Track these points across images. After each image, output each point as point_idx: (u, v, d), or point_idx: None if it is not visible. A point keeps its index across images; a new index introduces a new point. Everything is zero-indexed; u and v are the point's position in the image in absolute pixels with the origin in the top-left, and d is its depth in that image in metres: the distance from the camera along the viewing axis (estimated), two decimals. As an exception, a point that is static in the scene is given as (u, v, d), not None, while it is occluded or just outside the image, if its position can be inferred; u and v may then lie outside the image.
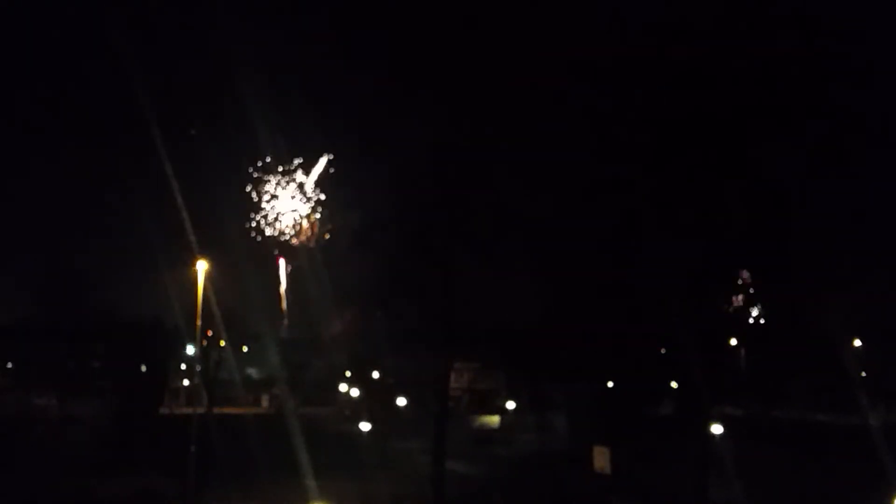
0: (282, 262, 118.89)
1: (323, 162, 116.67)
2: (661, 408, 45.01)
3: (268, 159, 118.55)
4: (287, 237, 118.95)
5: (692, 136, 27.05)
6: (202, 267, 35.44)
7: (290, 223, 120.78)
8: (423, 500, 34.64)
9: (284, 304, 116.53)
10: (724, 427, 32.84)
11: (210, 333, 47.28)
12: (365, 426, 44.42)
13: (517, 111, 33.42)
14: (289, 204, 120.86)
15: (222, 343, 52.16)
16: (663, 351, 33.05)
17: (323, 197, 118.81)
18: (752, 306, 31.97)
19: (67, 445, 47.68)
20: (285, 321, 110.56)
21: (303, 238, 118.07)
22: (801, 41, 26.99)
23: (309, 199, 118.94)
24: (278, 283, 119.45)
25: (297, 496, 29.88)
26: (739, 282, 30.56)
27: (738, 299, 30.85)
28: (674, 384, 39.75)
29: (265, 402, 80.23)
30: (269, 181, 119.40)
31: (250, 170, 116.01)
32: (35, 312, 65.95)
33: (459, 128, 35.32)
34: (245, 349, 73.17)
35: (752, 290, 30.84)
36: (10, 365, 76.03)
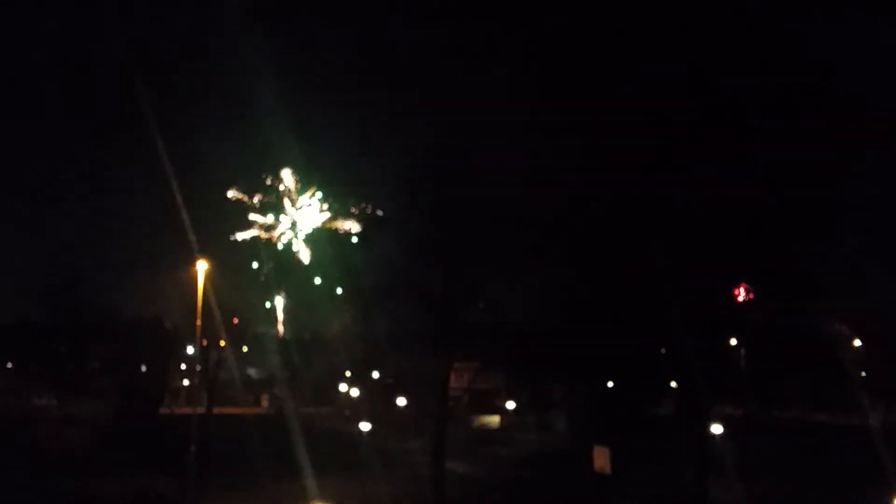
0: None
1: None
2: (661, 408, 44.96)
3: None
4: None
5: (692, 136, 27.07)
6: (202, 267, 35.44)
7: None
8: (423, 500, 34.63)
9: (280, 316, 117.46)
10: (724, 427, 32.83)
11: (235, 321, 47.45)
12: (365, 426, 44.40)
13: (518, 110, 33.39)
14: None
15: (222, 343, 52.18)
16: (663, 351, 32.99)
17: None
18: (752, 305, 31.95)
19: (67, 445, 47.63)
20: (280, 327, 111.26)
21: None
22: (802, 41, 27.03)
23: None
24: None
25: (297, 496, 29.88)
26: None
27: (739, 292, 30.84)
28: (674, 384, 39.70)
29: (265, 402, 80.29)
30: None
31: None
32: (35, 312, 66.02)
33: (459, 127, 35.30)
34: (245, 349, 73.26)
35: (751, 290, 30.85)
36: (10, 365, 76.07)
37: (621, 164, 28.93)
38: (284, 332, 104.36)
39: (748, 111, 27.07)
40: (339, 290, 60.27)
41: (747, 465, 33.29)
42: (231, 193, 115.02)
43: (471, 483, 39.59)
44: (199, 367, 54.80)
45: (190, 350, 63.06)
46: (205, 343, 47.58)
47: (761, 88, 27.02)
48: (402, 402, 59.96)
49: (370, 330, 48.99)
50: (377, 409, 59.28)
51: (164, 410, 63.31)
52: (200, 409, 45.89)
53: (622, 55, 28.69)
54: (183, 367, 73.83)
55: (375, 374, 69.93)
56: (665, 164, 27.50)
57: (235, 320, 48.34)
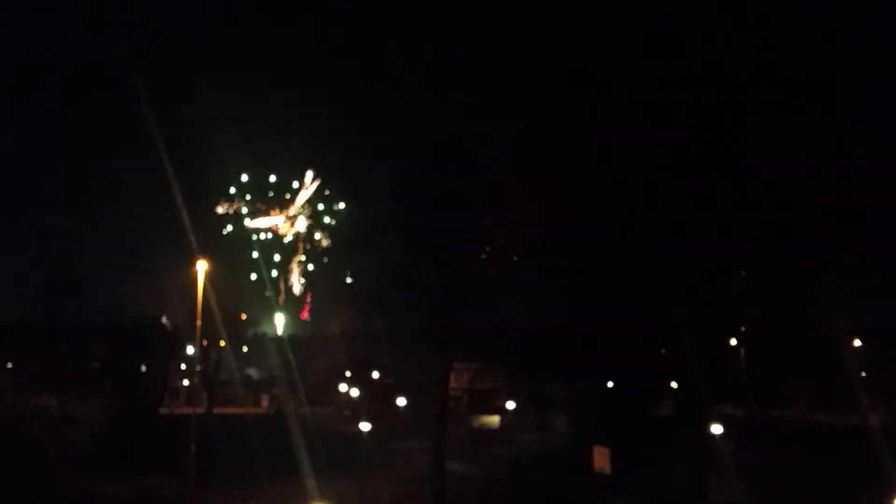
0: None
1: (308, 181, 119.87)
2: (661, 408, 44.94)
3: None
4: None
5: (692, 135, 27.08)
6: (202, 267, 35.40)
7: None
8: (423, 500, 34.63)
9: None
10: (724, 427, 32.81)
11: (243, 317, 47.38)
12: (365, 426, 44.39)
13: (519, 112, 33.41)
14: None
15: (222, 343, 52.17)
16: (663, 351, 33.01)
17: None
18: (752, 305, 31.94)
19: (67, 445, 47.62)
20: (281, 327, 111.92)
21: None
22: (801, 41, 27.06)
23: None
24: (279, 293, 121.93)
25: (297, 496, 29.88)
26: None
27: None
28: (674, 384, 39.71)
29: (265, 402, 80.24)
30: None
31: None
32: (35, 312, 65.96)
33: (460, 128, 35.30)
34: (245, 349, 73.25)
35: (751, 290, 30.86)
36: (10, 365, 76.02)
37: (622, 164, 28.95)
38: (284, 332, 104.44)
39: (749, 111, 27.08)
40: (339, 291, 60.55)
41: (747, 465, 33.28)
42: (222, 207, 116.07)
43: (471, 483, 39.58)
44: (199, 367, 54.76)
45: (190, 350, 62.99)
46: (205, 343, 47.56)
47: (763, 88, 27.02)
48: (402, 402, 59.93)
49: (370, 330, 48.99)
50: (377, 409, 59.27)
51: (164, 410, 63.25)
52: (200, 409, 45.87)
53: (622, 55, 28.73)
54: (183, 367, 73.77)
55: (375, 374, 69.93)
56: (666, 164, 27.52)
57: (244, 316, 48.34)
